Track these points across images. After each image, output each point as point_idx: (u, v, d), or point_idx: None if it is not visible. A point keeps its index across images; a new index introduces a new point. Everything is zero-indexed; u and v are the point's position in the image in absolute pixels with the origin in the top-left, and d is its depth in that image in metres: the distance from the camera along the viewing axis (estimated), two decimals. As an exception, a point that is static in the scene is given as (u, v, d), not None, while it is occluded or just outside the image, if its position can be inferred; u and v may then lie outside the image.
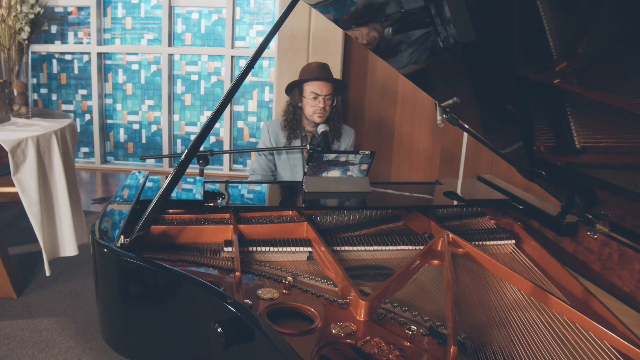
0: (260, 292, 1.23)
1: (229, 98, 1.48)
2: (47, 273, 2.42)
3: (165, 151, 4.56)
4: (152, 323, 1.19)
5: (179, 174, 1.33)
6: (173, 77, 4.53)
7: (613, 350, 1.09)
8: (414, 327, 1.08)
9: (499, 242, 1.61)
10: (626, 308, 1.37)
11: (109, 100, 4.56)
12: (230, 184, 1.92)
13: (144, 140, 4.67)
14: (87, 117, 4.55)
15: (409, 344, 1.07)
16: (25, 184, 2.21)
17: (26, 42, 2.46)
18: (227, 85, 4.43)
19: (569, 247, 1.62)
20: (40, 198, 2.27)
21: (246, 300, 1.07)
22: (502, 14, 1.31)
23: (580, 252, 1.58)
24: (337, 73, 3.72)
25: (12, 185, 2.27)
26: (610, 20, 1.07)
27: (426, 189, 1.95)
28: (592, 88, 1.29)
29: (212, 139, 4.63)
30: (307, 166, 1.68)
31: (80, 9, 4.29)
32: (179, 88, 4.56)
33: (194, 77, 4.53)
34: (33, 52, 4.35)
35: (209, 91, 4.57)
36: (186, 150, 1.38)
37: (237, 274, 1.26)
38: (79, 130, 4.56)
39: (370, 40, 1.87)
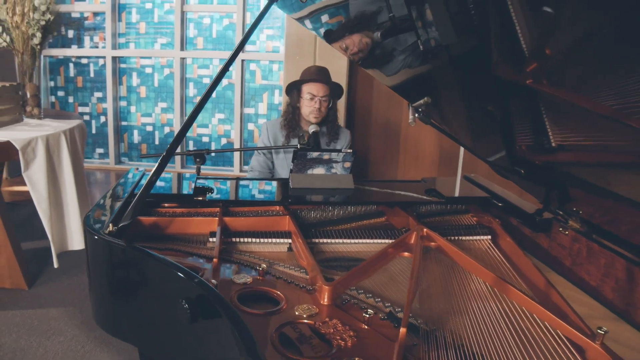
0: (234, 277, 1.34)
1: (209, 93, 1.60)
2: (55, 265, 2.57)
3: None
4: (135, 303, 1.30)
5: (160, 169, 1.45)
6: (185, 80, 4.68)
7: (564, 339, 1.16)
8: (370, 311, 1.17)
9: (474, 238, 1.69)
10: (592, 301, 1.44)
11: (123, 103, 4.74)
12: (225, 180, 2.04)
13: (157, 142, 4.83)
14: (102, 119, 4.74)
15: (366, 326, 1.16)
16: (35, 180, 2.37)
17: (38, 47, 2.62)
18: (238, 89, 4.57)
19: (543, 243, 1.68)
20: (49, 194, 2.43)
21: (212, 281, 1.18)
22: (480, 15, 1.38)
23: (553, 248, 1.64)
24: (343, 76, 3.82)
25: (24, 184, 2.44)
26: (574, 21, 1.14)
27: (410, 186, 2.03)
28: (561, 88, 1.36)
29: (223, 140, 4.77)
30: (292, 164, 1.78)
31: (96, 14, 4.49)
32: (191, 91, 4.71)
33: (206, 80, 4.68)
34: (50, 56, 4.56)
35: (220, 94, 4.71)
36: (167, 147, 1.50)
37: (215, 260, 1.37)
38: (94, 132, 4.76)
39: (354, 49, 1.97)
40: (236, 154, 4.69)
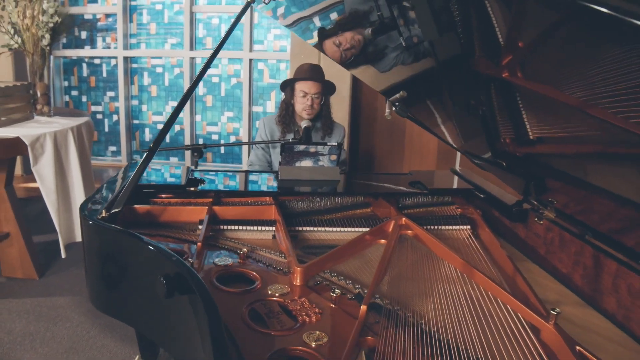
0: (217, 260, 1.44)
1: (192, 89, 1.71)
2: (63, 255, 2.71)
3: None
4: (122, 282, 1.41)
5: (147, 160, 1.56)
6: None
7: (523, 321, 1.24)
8: (337, 290, 1.26)
9: (454, 227, 1.76)
10: (562, 288, 1.50)
11: (135, 102, 4.89)
12: (221, 172, 2.15)
13: (167, 140, 4.97)
14: (115, 117, 4.90)
15: (333, 305, 1.25)
16: (43, 174, 2.51)
17: (48, 47, 2.77)
18: (246, 87, 4.68)
19: (521, 233, 1.75)
20: (57, 187, 2.56)
21: (189, 259, 1.28)
22: (462, 10, 1.45)
23: (529, 238, 1.71)
24: (347, 75, 3.90)
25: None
26: (539, 13, 1.20)
27: (397, 179, 2.11)
28: (534, 80, 1.43)
29: (232, 138, 4.89)
30: (280, 156, 1.88)
31: (108, 15, 4.65)
32: (201, 90, 4.84)
33: (215, 80, 4.80)
34: (64, 57, 4.74)
35: (229, 92, 4.83)
36: (154, 139, 1.61)
37: (199, 244, 1.47)
38: (106, 130, 4.93)
39: (346, 46, 2.05)
40: (244, 152, 4.81)
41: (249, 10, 4.54)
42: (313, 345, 1.08)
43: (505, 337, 1.17)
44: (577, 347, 1.09)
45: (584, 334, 1.25)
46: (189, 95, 1.72)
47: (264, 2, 1.76)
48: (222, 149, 4.93)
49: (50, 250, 3.18)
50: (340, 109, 3.94)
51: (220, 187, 2.04)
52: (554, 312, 1.16)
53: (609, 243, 1.38)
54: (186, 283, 1.14)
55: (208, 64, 1.76)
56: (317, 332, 1.12)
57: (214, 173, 2.22)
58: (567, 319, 1.32)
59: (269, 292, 1.28)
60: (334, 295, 1.25)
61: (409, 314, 1.22)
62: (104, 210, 1.50)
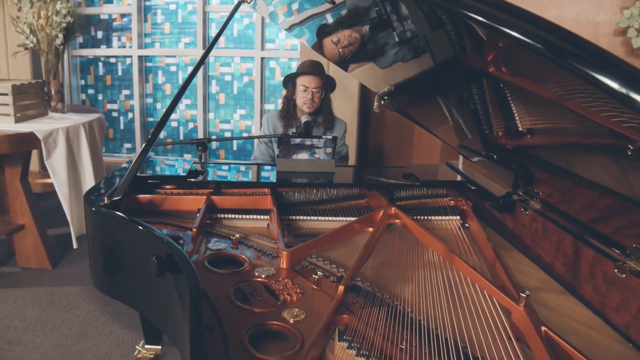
0: (210, 245, 1.54)
1: (188, 82, 1.81)
2: (75, 245, 2.85)
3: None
4: (121, 263, 1.51)
5: (145, 151, 1.67)
6: (208, 78, 4.94)
7: (496, 304, 1.30)
8: (320, 273, 1.34)
9: (444, 218, 1.83)
10: (544, 276, 1.56)
11: (149, 100, 5.04)
12: (224, 164, 2.25)
13: (181, 137, 5.11)
14: (130, 115, 5.05)
15: (315, 286, 1.33)
16: (56, 167, 2.64)
17: (61, 47, 2.91)
18: (258, 85, 4.79)
19: (509, 223, 1.81)
20: (69, 180, 2.70)
21: (180, 241, 1.38)
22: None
23: (516, 228, 1.76)
24: (355, 71, 3.97)
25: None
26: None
27: (393, 172, 2.18)
28: (517, 75, 1.49)
29: (243, 135, 5.00)
30: (277, 149, 1.97)
31: (123, 15, 4.81)
32: (214, 88, 4.97)
33: (228, 78, 4.92)
34: (81, 56, 4.90)
35: (242, 90, 4.94)
36: (151, 130, 1.71)
37: (194, 230, 1.57)
38: (122, 127, 5.08)
39: (344, 42, 2.12)
40: (256, 149, 4.92)
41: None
42: (291, 322, 1.17)
43: (477, 318, 1.24)
44: (543, 328, 1.16)
45: (560, 319, 1.31)
46: (185, 87, 1.83)
47: (245, 2, 1.85)
48: (235, 147, 5.05)
49: (63, 243, 3.32)
50: (349, 106, 4.02)
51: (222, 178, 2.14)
52: (523, 295, 1.23)
53: (587, 231, 1.44)
54: (175, 262, 1.23)
55: (203, 59, 1.86)
56: (296, 310, 1.20)
57: (212, 165, 2.32)
58: (547, 306, 1.38)
59: (256, 274, 1.37)
60: (316, 277, 1.33)
61: (387, 296, 1.30)
62: (105, 198, 1.60)
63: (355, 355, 1.04)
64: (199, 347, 0.96)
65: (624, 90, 0.86)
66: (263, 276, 1.35)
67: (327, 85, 2.74)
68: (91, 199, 1.63)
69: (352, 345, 1.07)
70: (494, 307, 1.29)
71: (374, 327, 1.14)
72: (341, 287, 1.24)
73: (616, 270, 1.30)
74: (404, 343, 1.10)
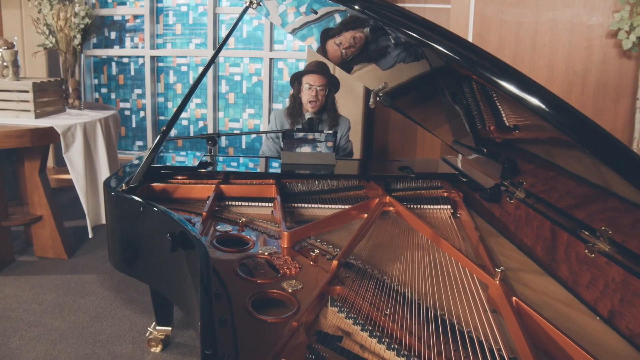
0: (219, 227, 1.71)
1: (197, 82, 1.99)
2: (90, 235, 3.04)
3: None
4: (139, 242, 1.69)
5: (159, 143, 1.85)
6: (218, 78, 5.13)
7: (476, 280, 1.46)
8: (316, 251, 1.51)
9: (435, 207, 1.99)
10: (526, 259, 1.71)
11: (161, 99, 5.24)
12: (233, 157, 2.42)
13: (192, 134, 5.31)
14: (142, 114, 5.25)
15: (312, 263, 1.50)
16: (73, 160, 2.84)
17: (79, 47, 3.11)
18: (266, 85, 4.97)
19: (496, 212, 1.96)
20: (86, 173, 2.89)
21: (193, 220, 1.55)
22: None
23: (503, 216, 1.92)
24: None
25: (68, 173, 2.92)
26: None
27: (389, 165, 2.34)
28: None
29: (253, 134, 5.17)
30: (282, 143, 2.14)
31: (136, 17, 5.02)
32: (223, 87, 5.15)
33: (237, 78, 5.11)
34: (95, 56, 5.12)
35: (250, 90, 5.13)
36: (166, 124, 1.89)
37: (204, 214, 1.74)
38: (134, 125, 5.29)
39: (345, 45, 2.29)
40: (263, 148, 5.09)
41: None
42: (289, 291, 1.33)
43: (457, 292, 1.40)
44: (514, 298, 1.31)
45: (537, 296, 1.46)
46: (196, 84, 2.00)
47: (251, 7, 2.02)
48: (244, 145, 5.23)
49: (78, 235, 3.51)
50: (354, 105, 4.18)
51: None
52: (498, 270, 1.38)
53: (563, 217, 1.59)
54: (187, 239, 1.40)
55: (213, 58, 2.03)
56: (294, 281, 1.37)
57: (222, 159, 2.50)
58: (526, 285, 1.53)
59: (259, 252, 1.53)
60: (313, 254, 1.49)
61: (377, 272, 1.46)
62: (124, 184, 1.78)
63: (344, 319, 1.21)
64: (208, 312, 1.13)
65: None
66: (266, 254, 1.52)
67: (332, 84, 2.91)
68: (110, 185, 1.80)
69: (342, 309, 1.23)
70: (474, 283, 1.45)
71: (362, 296, 1.31)
72: (334, 262, 1.41)
73: (587, 250, 1.44)
74: (388, 310, 1.26)
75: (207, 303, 1.13)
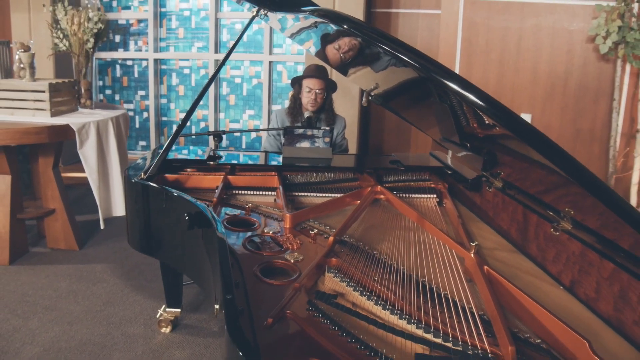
0: (228, 211, 1.94)
1: (209, 84, 2.22)
2: (102, 226, 3.26)
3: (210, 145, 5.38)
4: (157, 224, 1.91)
5: (172, 140, 2.08)
6: (219, 80, 5.36)
7: (455, 255, 1.69)
8: (315, 229, 1.73)
9: (422, 196, 2.22)
10: (501, 240, 1.94)
11: (163, 100, 5.47)
12: (238, 151, 2.65)
13: (194, 136, 5.53)
14: (145, 115, 5.48)
15: (311, 240, 1.72)
16: (87, 156, 3.06)
17: (91, 50, 3.34)
18: (266, 88, 5.20)
19: (477, 200, 2.19)
20: (99, 167, 3.11)
21: (207, 202, 1.78)
22: None
23: (483, 203, 2.15)
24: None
25: (80, 171, 3.14)
26: None
27: (381, 159, 2.57)
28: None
29: (252, 134, 5.40)
30: (283, 139, 2.37)
31: (140, 21, 5.26)
32: (224, 89, 5.38)
33: (237, 80, 5.34)
34: (100, 59, 5.36)
35: (251, 92, 5.36)
36: (180, 122, 2.12)
37: (214, 200, 1.97)
38: (137, 126, 5.51)
39: (345, 48, 2.51)
40: (263, 147, 5.32)
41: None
42: (292, 261, 1.56)
43: (437, 264, 1.63)
44: (485, 267, 1.54)
45: (510, 270, 1.68)
46: (207, 87, 2.23)
47: (259, 17, 2.25)
48: (244, 144, 5.45)
49: (89, 228, 3.74)
50: (351, 106, 4.42)
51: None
52: (473, 244, 1.61)
53: (533, 201, 1.81)
54: (203, 219, 1.63)
55: (223, 63, 2.25)
56: (296, 254, 1.59)
57: (226, 153, 2.72)
58: (501, 261, 1.76)
59: (265, 231, 1.76)
60: (313, 233, 1.72)
61: (368, 248, 1.69)
62: (142, 173, 2.01)
63: (339, 282, 1.43)
64: (226, 267, 1.35)
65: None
66: (270, 232, 1.75)
67: (329, 87, 3.16)
68: (130, 174, 2.03)
69: (337, 275, 1.46)
70: (453, 257, 1.68)
71: (355, 266, 1.53)
72: (331, 238, 1.64)
73: (552, 229, 1.67)
74: (377, 277, 1.49)
75: (225, 261, 1.35)
